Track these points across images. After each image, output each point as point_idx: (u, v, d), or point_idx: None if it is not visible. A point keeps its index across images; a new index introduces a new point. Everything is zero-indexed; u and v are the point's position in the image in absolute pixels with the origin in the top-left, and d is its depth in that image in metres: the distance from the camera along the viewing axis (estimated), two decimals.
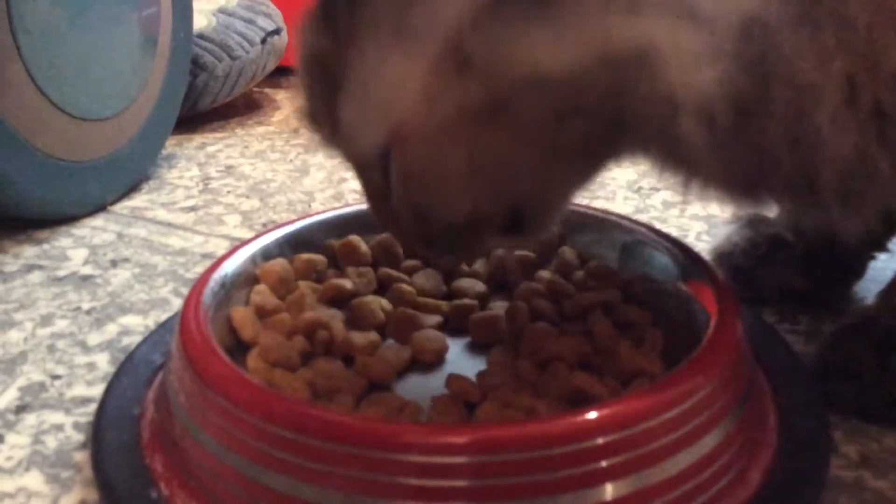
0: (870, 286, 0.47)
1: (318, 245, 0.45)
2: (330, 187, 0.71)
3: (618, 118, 0.30)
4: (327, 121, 0.34)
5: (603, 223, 0.45)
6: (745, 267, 0.48)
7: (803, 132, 0.31)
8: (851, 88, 0.30)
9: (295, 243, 0.45)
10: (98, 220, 0.64)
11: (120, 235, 0.61)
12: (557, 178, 0.34)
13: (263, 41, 0.89)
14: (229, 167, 0.76)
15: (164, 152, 0.77)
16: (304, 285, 0.42)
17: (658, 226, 0.54)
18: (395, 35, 0.30)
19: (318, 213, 0.47)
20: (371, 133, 0.32)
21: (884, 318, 0.39)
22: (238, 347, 0.38)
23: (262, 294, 0.41)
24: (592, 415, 0.29)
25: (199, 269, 0.54)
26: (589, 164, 0.34)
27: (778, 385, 0.37)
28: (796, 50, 0.29)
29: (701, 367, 0.32)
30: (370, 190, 0.36)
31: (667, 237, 0.43)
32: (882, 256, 0.48)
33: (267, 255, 0.43)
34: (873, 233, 0.47)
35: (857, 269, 0.48)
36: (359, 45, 0.31)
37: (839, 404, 0.38)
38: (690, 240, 0.57)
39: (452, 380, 0.36)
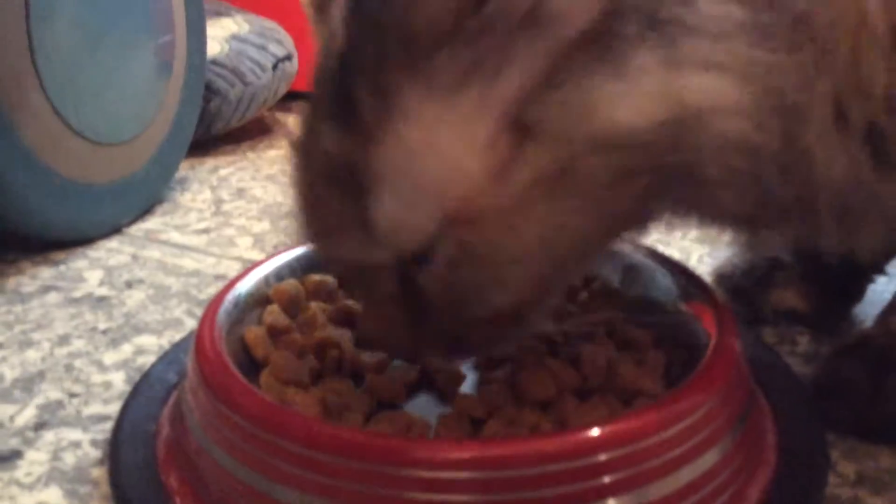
0: (868, 309, 0.48)
1: (328, 267, 0.46)
2: None
3: (674, 171, 0.31)
4: (355, 228, 0.32)
5: None
6: (745, 289, 0.49)
7: (793, 158, 0.32)
8: (838, 110, 0.32)
9: (306, 265, 0.46)
10: (113, 242, 0.65)
11: (134, 257, 0.63)
12: (603, 240, 0.34)
13: (275, 67, 0.91)
14: (241, 190, 0.78)
15: (178, 175, 0.79)
16: (315, 305, 0.43)
17: (661, 248, 0.55)
18: (440, 119, 0.29)
19: None
20: (421, 224, 0.31)
21: (879, 339, 0.40)
22: (251, 366, 0.39)
23: (274, 314, 0.42)
24: (595, 432, 0.30)
25: (212, 290, 0.55)
26: (630, 223, 0.34)
27: (777, 404, 0.38)
28: (782, 75, 0.31)
29: (700, 386, 0.33)
30: (386, 297, 0.34)
31: (667, 259, 0.44)
32: (881, 279, 0.49)
33: (279, 276, 0.45)
34: (872, 256, 0.48)
35: (855, 291, 0.49)
36: (396, 138, 0.30)
37: (836, 423, 0.39)
38: (692, 262, 0.58)
39: (459, 398, 0.37)
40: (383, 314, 0.34)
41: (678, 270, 0.43)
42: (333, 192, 0.31)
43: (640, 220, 0.34)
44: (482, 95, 0.29)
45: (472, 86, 0.29)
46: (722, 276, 0.50)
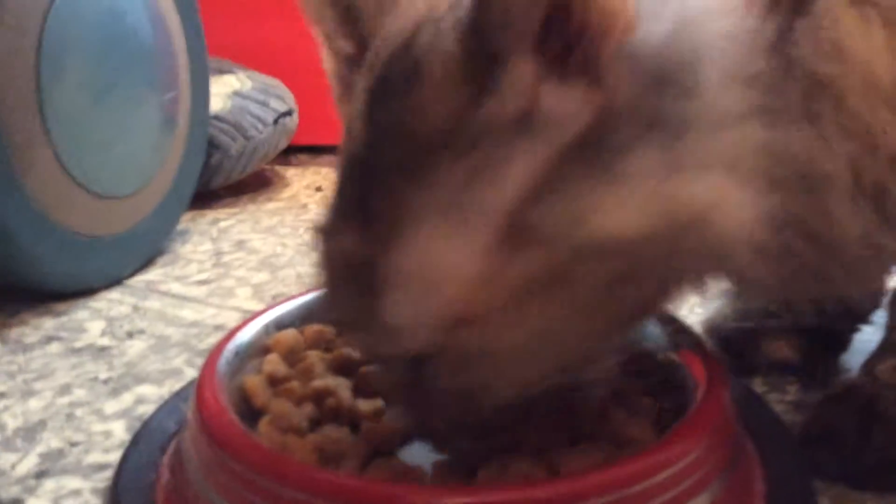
0: (856, 358, 0.49)
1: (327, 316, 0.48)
2: None
3: (673, 272, 0.32)
4: (365, 325, 0.33)
5: None
6: (736, 339, 0.50)
7: (817, 223, 0.33)
8: (856, 171, 0.33)
9: (305, 314, 0.47)
10: (114, 293, 0.67)
11: (135, 308, 0.64)
12: (608, 337, 0.34)
13: (276, 122, 0.93)
14: (241, 242, 0.79)
15: (179, 227, 0.80)
16: (313, 354, 0.44)
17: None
18: (447, 222, 0.30)
19: None
20: (426, 325, 0.31)
21: (865, 388, 0.41)
22: (251, 414, 0.40)
23: (273, 363, 0.43)
24: (585, 478, 0.31)
25: (212, 341, 0.56)
26: (637, 318, 0.35)
27: (765, 452, 0.39)
28: (802, 146, 0.32)
29: (688, 434, 0.34)
30: (398, 387, 0.35)
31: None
32: (867, 329, 0.50)
33: (279, 325, 0.46)
34: (859, 307, 0.49)
35: (842, 341, 0.50)
36: (405, 240, 0.31)
37: (824, 471, 0.39)
38: (684, 312, 0.59)
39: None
40: (408, 403, 0.36)
41: (669, 321, 0.44)
42: (351, 287, 0.32)
43: (655, 308, 0.35)
44: (481, 200, 0.30)
45: (472, 191, 0.30)
46: (713, 327, 0.51)
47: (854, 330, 0.50)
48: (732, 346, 0.50)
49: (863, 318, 0.50)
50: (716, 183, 0.30)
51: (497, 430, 0.35)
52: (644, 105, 0.29)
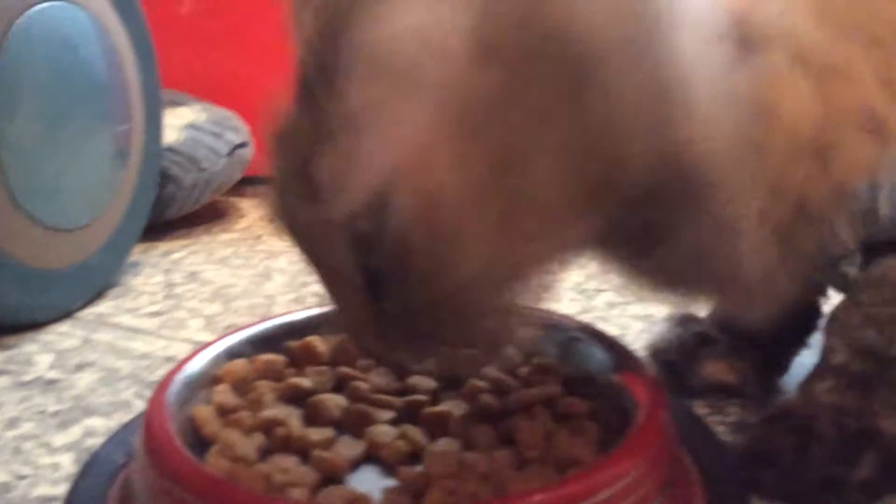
0: (795, 380, 0.51)
1: (278, 346, 0.48)
2: (291, 291, 0.73)
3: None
4: (304, 184, 0.32)
5: (544, 322, 0.48)
6: (678, 362, 0.51)
7: (729, 243, 0.35)
8: (767, 207, 0.35)
9: (256, 344, 0.47)
10: (64, 326, 0.66)
11: (85, 340, 0.63)
12: (563, 241, 0.34)
13: (230, 153, 0.93)
14: (193, 273, 0.79)
15: (131, 259, 0.80)
16: (263, 384, 0.44)
17: (601, 324, 0.58)
18: (398, 86, 0.30)
19: (278, 315, 0.50)
20: (368, 179, 0.30)
21: (801, 409, 0.42)
22: (200, 444, 0.40)
23: (223, 393, 0.43)
24: (529, 498, 0.32)
25: (162, 373, 0.56)
26: (590, 226, 0.34)
27: (705, 472, 0.40)
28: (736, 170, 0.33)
29: (628, 454, 0.35)
30: (346, 282, 0.34)
31: (603, 335, 0.46)
32: (805, 352, 0.52)
33: (229, 356, 0.46)
34: (797, 330, 0.51)
35: (781, 364, 0.52)
36: (356, 96, 0.30)
37: (762, 490, 0.41)
38: (630, 337, 0.60)
39: (402, 470, 0.39)
40: (349, 304, 0.34)
41: (612, 345, 0.45)
42: (294, 154, 0.32)
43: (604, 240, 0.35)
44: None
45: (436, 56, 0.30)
46: (656, 351, 0.52)
47: (792, 353, 0.52)
48: (675, 369, 0.51)
49: (801, 341, 0.51)
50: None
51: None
52: None
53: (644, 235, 0.36)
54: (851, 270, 0.41)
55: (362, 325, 0.35)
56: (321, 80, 0.31)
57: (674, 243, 0.35)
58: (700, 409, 0.50)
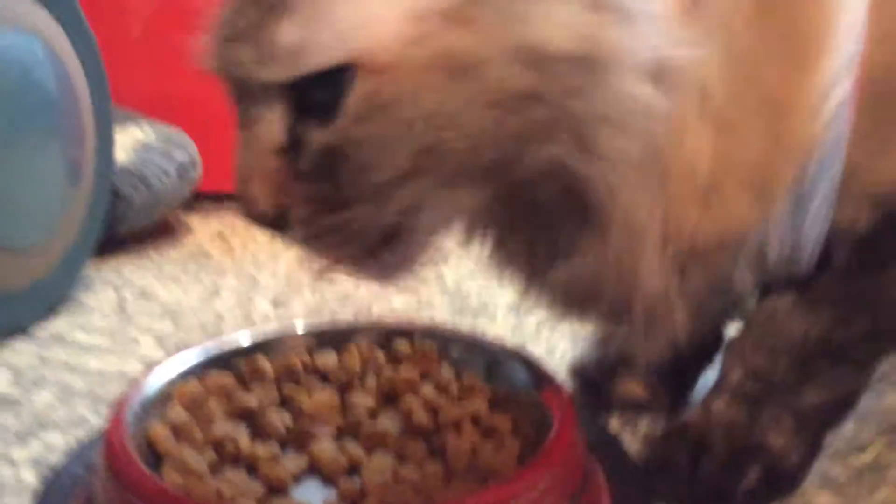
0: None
1: (228, 365, 0.52)
2: (239, 309, 0.77)
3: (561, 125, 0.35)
4: (260, 39, 0.34)
5: (473, 343, 0.53)
6: (596, 381, 0.56)
7: (627, 268, 0.40)
8: (664, 240, 0.40)
9: (207, 364, 0.51)
10: (20, 343, 0.69)
11: (41, 357, 0.66)
12: (484, 158, 0.36)
13: (179, 172, 0.96)
14: (144, 290, 0.82)
15: (82, 276, 0.82)
16: (214, 402, 0.48)
17: (530, 344, 0.63)
18: None
19: (227, 335, 0.54)
20: (324, 49, 0.33)
21: (698, 424, 0.47)
22: (156, 459, 0.44)
23: (176, 411, 0.47)
24: None
25: (116, 389, 0.59)
26: (510, 164, 0.37)
27: (612, 481, 0.45)
28: (636, 198, 0.38)
29: (541, 466, 0.39)
30: (268, 147, 0.35)
31: (525, 355, 0.51)
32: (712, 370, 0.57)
33: (182, 375, 0.49)
34: (703, 351, 0.57)
35: (689, 381, 0.57)
36: None
37: (662, 497, 0.46)
38: (557, 356, 0.65)
39: (341, 483, 0.43)
40: (261, 166, 0.36)
41: (532, 365, 0.50)
42: (249, 12, 0.34)
43: (508, 175, 0.37)
44: None
45: None
46: (577, 370, 0.58)
47: (698, 371, 0.57)
48: (593, 386, 0.56)
49: (706, 360, 0.57)
50: (626, 36, 0.35)
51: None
52: None
53: (547, 249, 0.40)
54: (750, 302, 0.47)
55: (272, 189, 0.36)
56: None
57: (572, 262, 0.40)
58: (616, 422, 0.55)
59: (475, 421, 0.47)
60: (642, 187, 0.38)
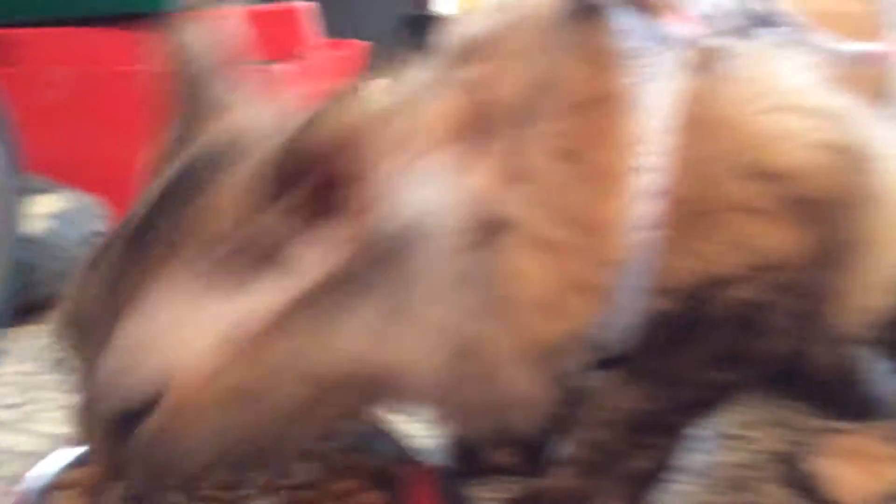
0: None
1: None
2: None
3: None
4: (89, 376, 0.41)
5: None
6: (468, 450, 0.62)
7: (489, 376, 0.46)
8: (518, 349, 0.46)
9: None
10: None
11: None
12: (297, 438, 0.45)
13: (91, 241, 0.99)
14: (55, 362, 0.84)
15: None
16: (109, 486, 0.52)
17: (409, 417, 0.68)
18: (188, 314, 0.39)
19: None
20: (134, 394, 0.39)
21: (549, 491, 0.54)
22: None
23: (72, 499, 0.51)
24: None
25: (18, 467, 0.62)
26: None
27: None
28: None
29: None
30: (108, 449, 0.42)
31: (394, 432, 0.56)
32: None
33: (80, 460, 0.53)
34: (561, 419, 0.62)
35: (548, 448, 0.63)
36: (145, 315, 0.39)
37: None
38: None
39: None
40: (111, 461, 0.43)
41: (400, 440, 0.55)
42: (86, 330, 0.42)
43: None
44: (218, 310, 0.39)
45: (212, 298, 0.39)
46: (455, 440, 0.63)
47: (558, 438, 0.63)
48: (467, 454, 0.62)
49: (563, 429, 0.63)
50: (416, 346, 0.42)
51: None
52: (374, 270, 0.40)
53: None
54: (591, 377, 0.53)
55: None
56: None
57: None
58: (488, 486, 0.60)
59: (347, 496, 0.53)
60: (494, 322, 0.45)
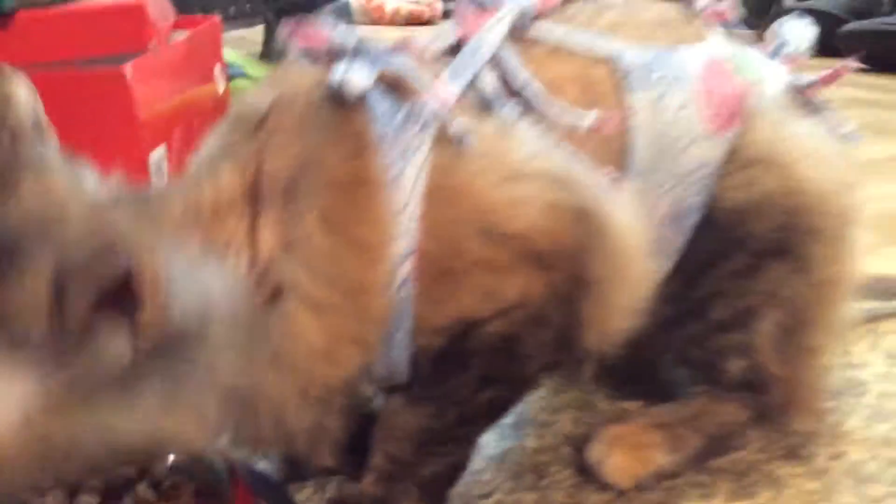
0: None
1: None
2: None
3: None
4: None
5: None
6: (300, 455, 0.70)
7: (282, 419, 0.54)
8: (302, 394, 0.54)
9: None
10: None
11: None
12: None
13: None
14: None
15: None
16: None
17: None
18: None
19: None
20: None
21: (352, 497, 0.62)
22: None
23: None
24: None
25: None
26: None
27: None
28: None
29: None
30: None
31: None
32: None
33: None
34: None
35: (364, 449, 0.71)
36: None
37: None
38: None
39: None
40: None
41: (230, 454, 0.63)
42: None
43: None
44: (23, 386, 0.45)
45: (18, 374, 0.45)
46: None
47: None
48: (291, 459, 0.69)
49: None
50: (184, 426, 0.49)
51: None
52: (163, 359, 0.47)
53: None
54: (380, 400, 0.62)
55: None
56: None
57: None
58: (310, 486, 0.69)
59: None
60: (278, 372, 0.52)
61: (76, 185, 0.50)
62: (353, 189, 0.52)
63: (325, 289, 0.52)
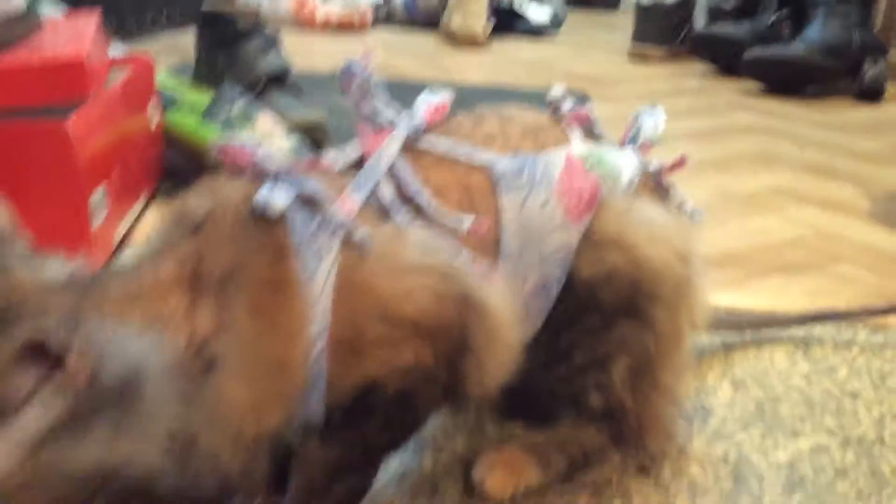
0: None
1: None
2: None
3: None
4: None
5: None
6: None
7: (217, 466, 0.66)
8: (235, 444, 0.65)
9: None
10: None
11: None
12: None
13: None
14: None
15: None
16: None
17: None
18: None
19: None
20: None
21: None
22: None
23: None
24: None
25: None
26: None
27: None
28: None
29: None
30: None
31: None
32: None
33: None
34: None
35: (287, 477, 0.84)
36: None
37: None
38: None
39: None
40: None
41: None
42: None
43: None
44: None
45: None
46: None
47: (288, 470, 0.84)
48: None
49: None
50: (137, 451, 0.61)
51: None
52: (108, 407, 0.58)
53: None
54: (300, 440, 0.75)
55: None
56: None
57: None
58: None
59: None
60: (212, 427, 0.64)
61: (37, 276, 0.62)
62: (276, 286, 0.65)
63: (253, 363, 0.65)
